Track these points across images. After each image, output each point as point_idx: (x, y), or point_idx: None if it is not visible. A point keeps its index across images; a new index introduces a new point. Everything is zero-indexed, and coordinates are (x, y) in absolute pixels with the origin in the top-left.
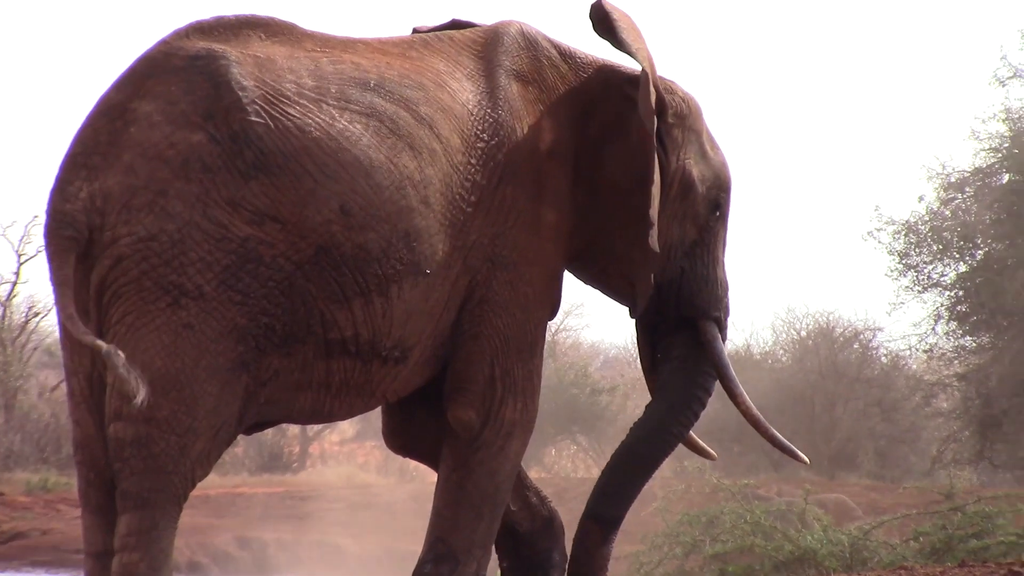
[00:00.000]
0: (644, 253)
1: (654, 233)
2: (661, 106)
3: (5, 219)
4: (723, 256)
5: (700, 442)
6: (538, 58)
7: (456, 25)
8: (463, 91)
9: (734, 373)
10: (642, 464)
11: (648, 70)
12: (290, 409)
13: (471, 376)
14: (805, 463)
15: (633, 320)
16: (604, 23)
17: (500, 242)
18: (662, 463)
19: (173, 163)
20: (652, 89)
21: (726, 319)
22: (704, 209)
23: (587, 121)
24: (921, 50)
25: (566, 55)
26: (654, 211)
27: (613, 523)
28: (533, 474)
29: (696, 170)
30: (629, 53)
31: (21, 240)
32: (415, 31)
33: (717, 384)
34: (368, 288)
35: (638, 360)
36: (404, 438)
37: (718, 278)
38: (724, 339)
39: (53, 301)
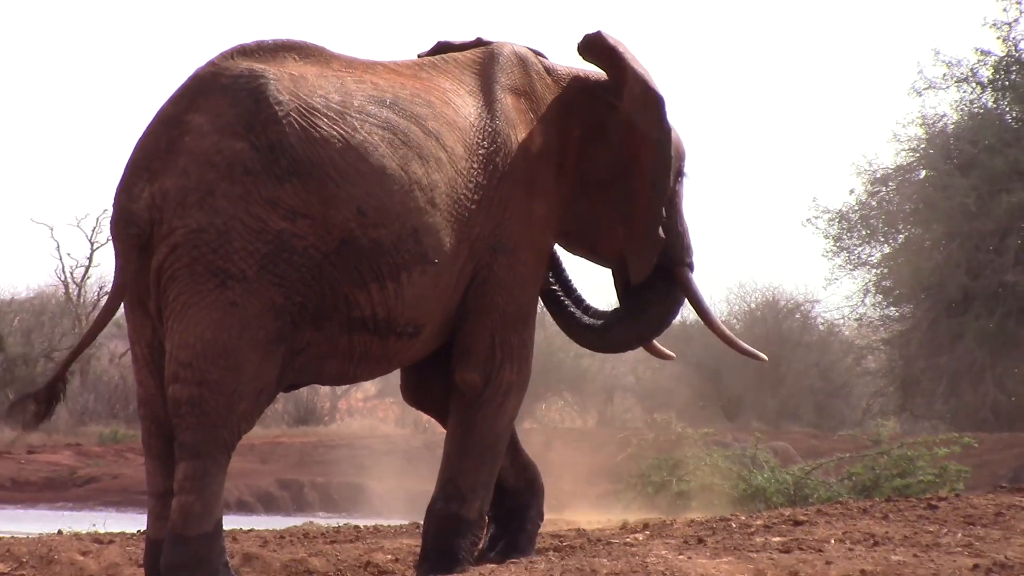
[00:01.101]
0: (651, 240)
1: (660, 227)
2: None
3: (79, 211)
4: (683, 211)
5: (660, 347)
6: (528, 73)
7: (480, 43)
8: (465, 106)
9: (709, 306)
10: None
11: (652, 85)
12: (319, 373)
13: (474, 344)
14: (764, 360)
15: (610, 272)
16: (600, 48)
17: (499, 232)
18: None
19: (220, 167)
20: (659, 105)
21: (693, 264)
22: (672, 179)
23: (569, 123)
24: (852, 63)
25: (549, 69)
26: (662, 208)
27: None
28: (526, 425)
29: None
30: (632, 71)
31: (93, 230)
32: (439, 44)
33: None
34: (383, 275)
35: None
36: (417, 394)
37: (685, 230)
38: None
39: (114, 283)
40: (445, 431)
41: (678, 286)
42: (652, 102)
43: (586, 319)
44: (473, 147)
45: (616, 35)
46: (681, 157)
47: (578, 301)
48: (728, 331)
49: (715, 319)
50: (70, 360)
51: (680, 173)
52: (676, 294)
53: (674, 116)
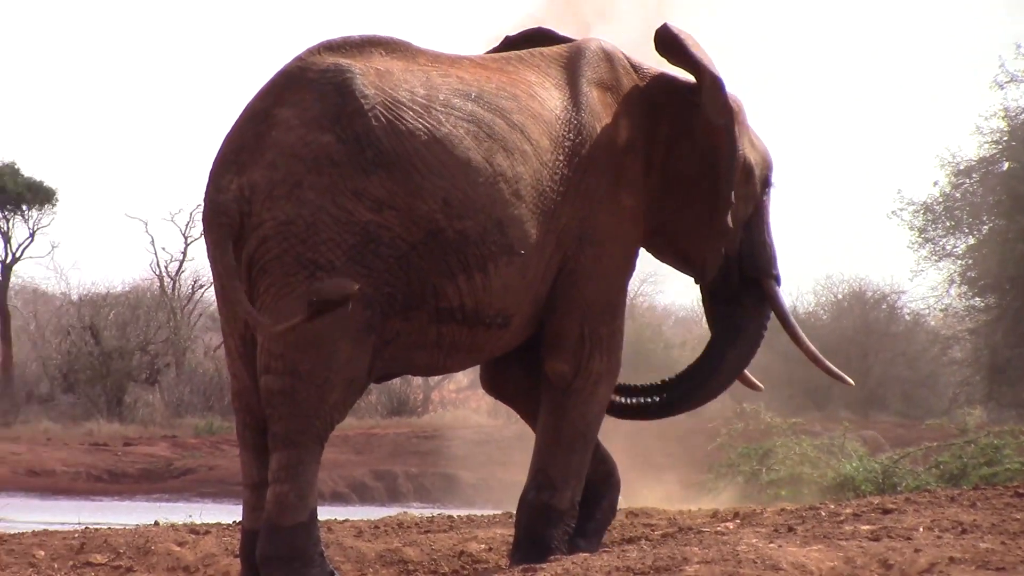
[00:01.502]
0: (719, 230)
1: (731, 213)
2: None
3: (173, 206)
4: (770, 222)
5: (752, 377)
6: (615, 68)
7: (541, 32)
8: (551, 99)
9: (794, 320)
10: (702, 401)
11: (715, 72)
12: (410, 364)
13: (564, 335)
14: (851, 385)
15: (698, 286)
16: (671, 44)
17: (586, 224)
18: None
19: (307, 160)
20: (725, 96)
21: (780, 276)
22: (759, 189)
23: (657, 120)
24: (935, 57)
25: (636, 66)
26: (732, 194)
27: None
28: None
29: (752, 158)
30: (695, 59)
31: (187, 224)
32: (507, 39)
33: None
34: (469, 266)
35: (703, 320)
36: (496, 383)
37: (771, 242)
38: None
39: (212, 276)
40: (523, 419)
41: (766, 301)
42: (714, 87)
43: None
44: (559, 139)
45: (682, 26)
46: (768, 167)
47: (635, 390)
48: (814, 348)
49: (801, 335)
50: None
51: (767, 183)
52: (766, 309)
53: (759, 120)
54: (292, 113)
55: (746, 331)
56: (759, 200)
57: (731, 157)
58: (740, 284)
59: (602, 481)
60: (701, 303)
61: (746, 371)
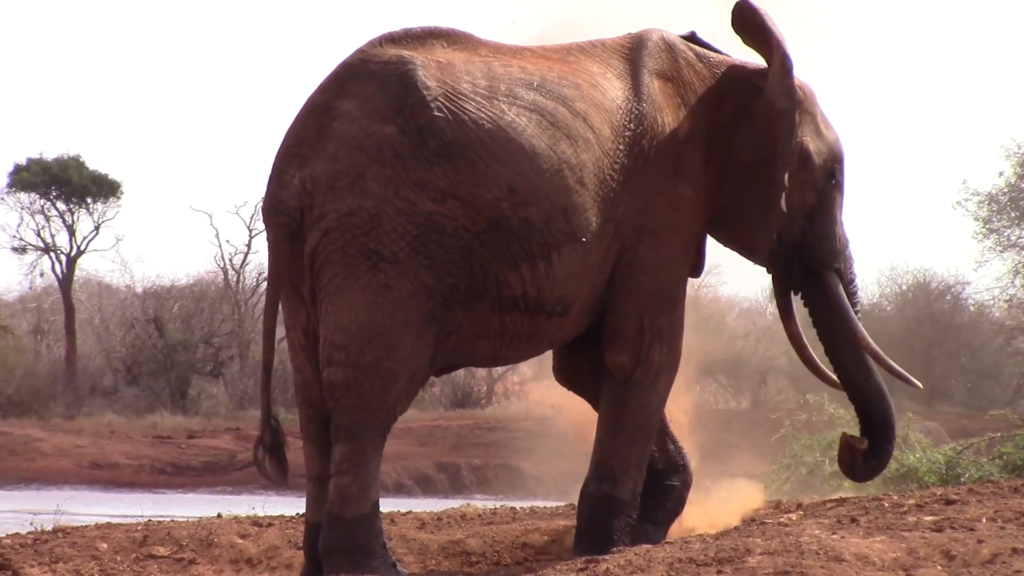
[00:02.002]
0: (770, 212)
1: (783, 195)
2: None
3: (238, 199)
4: (840, 216)
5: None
6: (676, 59)
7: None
8: (613, 89)
9: (854, 315)
10: (884, 399)
11: (785, 56)
12: (472, 355)
13: (623, 325)
14: (919, 388)
15: (768, 275)
16: (750, 19)
17: (646, 214)
18: None
19: (369, 151)
20: (788, 75)
21: (848, 269)
22: (821, 178)
23: (719, 110)
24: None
25: (700, 56)
26: (784, 176)
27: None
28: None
29: (812, 145)
30: (767, 41)
31: (251, 217)
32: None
33: None
34: (533, 254)
35: (767, 311)
36: (569, 375)
37: (836, 234)
38: (851, 286)
39: (268, 271)
40: (596, 412)
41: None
42: (782, 67)
43: None
44: (620, 129)
45: (760, 2)
46: (835, 158)
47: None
48: (876, 346)
49: (862, 331)
50: (267, 391)
51: (831, 174)
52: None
53: (832, 112)
54: (354, 105)
55: (838, 330)
56: (822, 190)
57: (787, 140)
58: (803, 276)
59: (675, 472)
60: (773, 295)
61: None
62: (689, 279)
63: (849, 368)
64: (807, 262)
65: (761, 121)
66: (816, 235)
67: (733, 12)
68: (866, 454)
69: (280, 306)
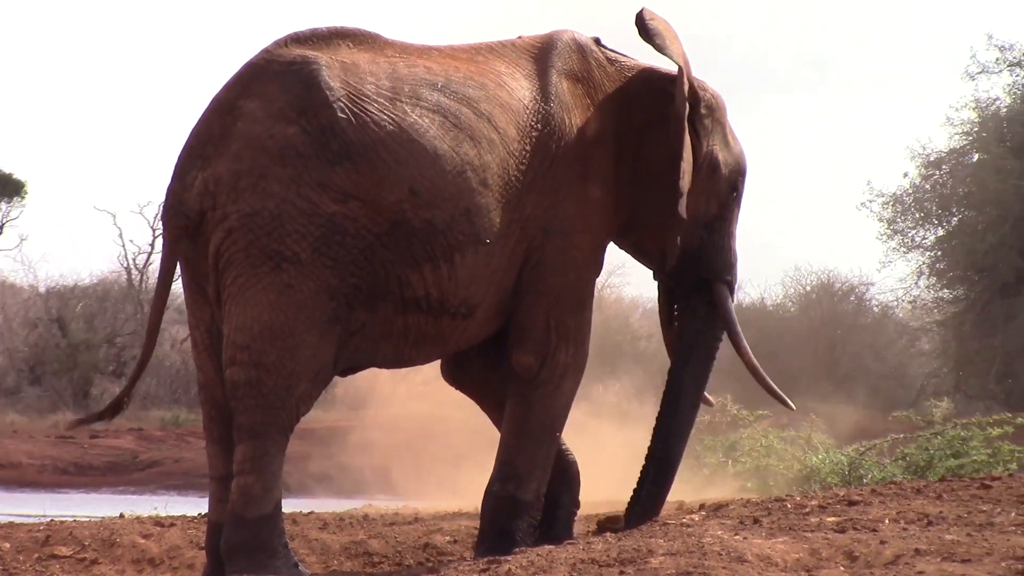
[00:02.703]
0: (672, 219)
1: (683, 202)
2: (695, 98)
3: (142, 199)
4: (735, 230)
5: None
6: (586, 60)
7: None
8: (520, 89)
9: (740, 329)
10: (684, 439)
11: (684, 67)
12: (376, 356)
13: (530, 327)
14: (792, 409)
15: (657, 285)
16: (646, 29)
17: (552, 214)
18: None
19: (272, 152)
20: (687, 81)
21: (735, 283)
22: (725, 189)
23: (630, 114)
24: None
25: (611, 59)
26: (684, 183)
27: (667, 489)
28: (583, 407)
29: (721, 155)
30: (666, 53)
31: (155, 217)
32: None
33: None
34: (436, 255)
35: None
36: (456, 373)
37: (731, 247)
38: (732, 299)
39: (180, 269)
40: (483, 411)
41: (716, 308)
42: (680, 74)
43: None
44: (526, 129)
45: (658, 12)
46: (739, 171)
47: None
48: (756, 363)
49: (745, 346)
50: (135, 379)
51: (734, 187)
52: (718, 322)
53: (739, 124)
54: (257, 105)
55: (700, 348)
56: (724, 202)
57: (679, 145)
58: (694, 286)
59: (558, 476)
60: (657, 301)
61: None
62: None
63: (682, 393)
64: (702, 272)
65: (671, 130)
66: (714, 246)
67: (636, 21)
68: (637, 499)
69: (185, 305)
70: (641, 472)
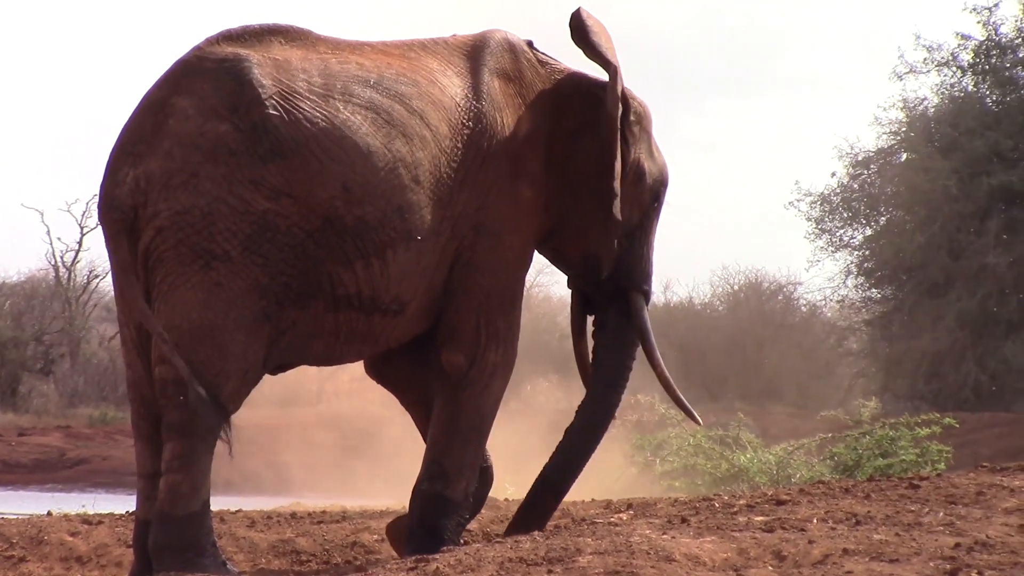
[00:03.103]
0: (607, 223)
1: (617, 203)
2: (626, 105)
3: (69, 196)
4: (654, 240)
5: (688, 406)
6: (519, 60)
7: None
8: (452, 86)
9: (654, 340)
10: (593, 441)
11: (617, 69)
12: (306, 354)
13: (460, 326)
14: (698, 423)
15: (570, 294)
16: (580, 30)
17: (483, 213)
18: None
19: (204, 149)
20: (620, 84)
21: (651, 293)
22: (648, 198)
23: (561, 115)
24: (833, 47)
25: (543, 61)
26: (618, 184)
27: (564, 491)
28: (512, 406)
29: (646, 165)
30: (601, 51)
31: (83, 214)
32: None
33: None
34: (368, 252)
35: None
36: (380, 369)
37: (649, 257)
38: (647, 307)
39: (110, 268)
40: (405, 407)
41: (630, 319)
42: (612, 78)
43: None
44: (458, 127)
45: (594, 14)
46: (662, 182)
47: None
48: (668, 375)
49: (658, 358)
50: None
51: (657, 197)
52: (631, 336)
53: (661, 134)
54: (189, 103)
55: (607, 367)
56: (646, 211)
57: (614, 148)
58: (611, 295)
59: (480, 474)
60: (570, 309)
61: (681, 397)
62: None
63: (597, 401)
64: (619, 281)
65: (602, 133)
66: (634, 255)
67: (569, 23)
68: (531, 501)
69: (115, 302)
70: (539, 475)
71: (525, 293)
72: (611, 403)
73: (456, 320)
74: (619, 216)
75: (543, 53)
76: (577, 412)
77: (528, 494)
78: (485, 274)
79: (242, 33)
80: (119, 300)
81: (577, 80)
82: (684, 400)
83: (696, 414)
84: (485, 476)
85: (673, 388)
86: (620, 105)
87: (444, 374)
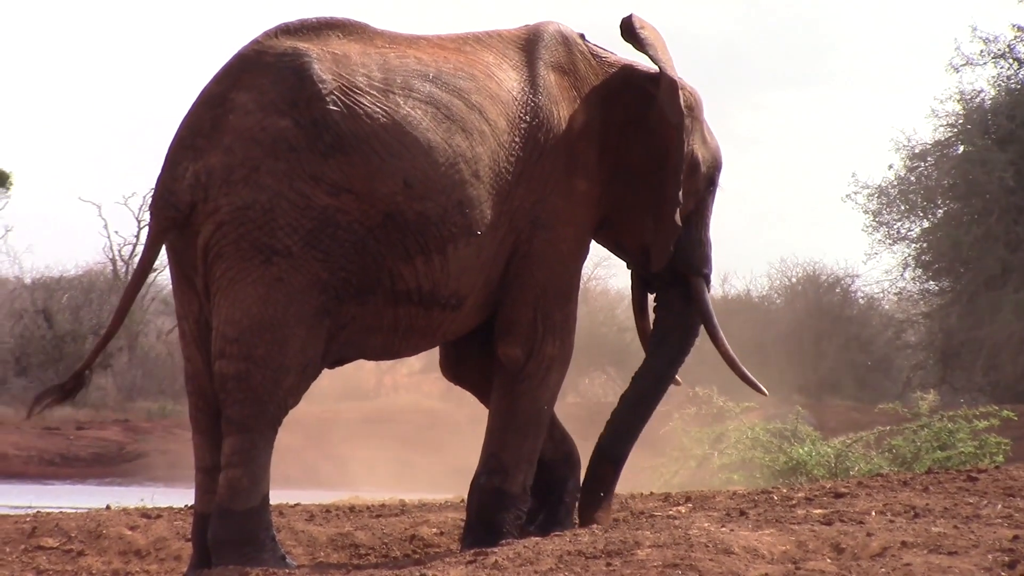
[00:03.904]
0: (667, 226)
1: (678, 212)
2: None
3: (127, 190)
4: (710, 222)
5: (754, 380)
6: (572, 52)
7: None
8: (508, 80)
9: (717, 321)
10: (647, 411)
11: (672, 74)
12: (364, 348)
13: (517, 319)
14: (764, 394)
15: (630, 276)
16: (632, 33)
17: (540, 207)
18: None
19: (264, 144)
20: (679, 91)
21: (711, 275)
22: (703, 185)
23: (612, 108)
24: (890, 40)
25: (595, 53)
26: (681, 193)
27: (623, 460)
28: (570, 399)
29: (700, 153)
30: (655, 59)
31: (140, 208)
32: None
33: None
34: (428, 247)
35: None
36: (456, 370)
37: (707, 240)
38: (709, 290)
39: (167, 260)
40: (485, 406)
41: (692, 302)
42: (670, 89)
43: None
44: (515, 121)
45: (647, 19)
46: (716, 166)
47: None
48: (733, 353)
49: (722, 337)
50: (97, 351)
51: (712, 182)
52: (693, 316)
53: (716, 128)
54: (249, 97)
55: (675, 341)
56: (701, 197)
57: (679, 158)
58: (671, 279)
59: (563, 461)
60: (631, 292)
61: (746, 372)
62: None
63: (655, 373)
64: (679, 267)
65: (654, 128)
66: (691, 240)
67: (621, 26)
68: (592, 475)
69: (173, 296)
70: (595, 448)
71: (583, 287)
72: (668, 376)
73: (513, 313)
74: (679, 223)
75: (595, 44)
76: (633, 380)
77: (588, 469)
78: (541, 267)
79: (300, 27)
80: (178, 292)
81: (629, 72)
82: (749, 374)
83: (762, 387)
84: (571, 461)
85: (738, 364)
86: (682, 112)
87: (501, 367)
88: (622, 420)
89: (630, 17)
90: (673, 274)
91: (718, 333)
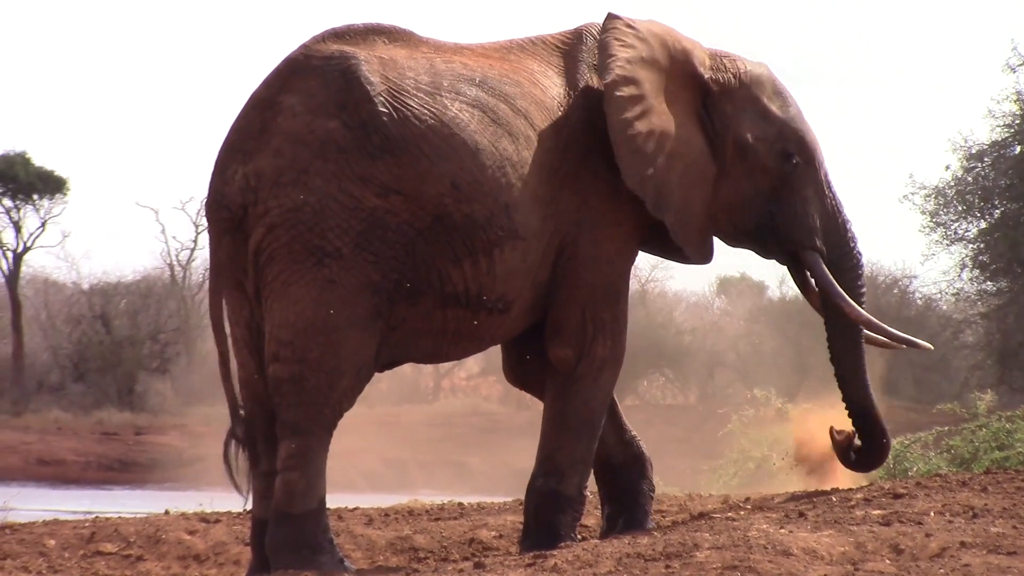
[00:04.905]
0: (668, 222)
1: (658, 189)
2: (705, 86)
3: (184, 195)
4: (821, 194)
5: (908, 336)
6: None
7: None
8: (553, 87)
9: (842, 291)
10: (862, 353)
11: (615, 75)
12: (414, 351)
13: (566, 320)
14: (930, 349)
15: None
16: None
17: (585, 209)
18: None
19: (313, 146)
20: (612, 95)
21: (839, 246)
22: (774, 161)
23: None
24: (947, 40)
25: None
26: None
27: (875, 405)
28: (628, 402)
29: (751, 132)
30: (603, 58)
31: (197, 213)
32: None
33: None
34: (476, 250)
35: (714, 306)
36: (519, 373)
37: (809, 213)
38: (852, 260)
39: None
40: None
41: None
42: (606, 90)
43: None
44: (559, 125)
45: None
46: (786, 139)
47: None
48: (870, 316)
49: (851, 303)
50: (233, 402)
51: (787, 155)
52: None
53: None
54: (297, 100)
55: (831, 308)
56: (779, 172)
57: (617, 154)
58: (787, 259)
59: (633, 463)
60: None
61: (897, 332)
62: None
63: (845, 328)
64: (784, 245)
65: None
66: (785, 217)
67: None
68: (863, 452)
69: (225, 302)
70: (847, 408)
71: (641, 289)
72: (855, 329)
73: (562, 315)
74: (663, 216)
75: None
76: (831, 340)
77: (855, 427)
78: (588, 268)
79: (347, 32)
80: (229, 299)
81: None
82: (900, 333)
83: (923, 342)
84: (641, 462)
85: (881, 326)
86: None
87: (553, 369)
88: (848, 372)
89: (608, 16)
90: (787, 253)
91: (846, 301)
